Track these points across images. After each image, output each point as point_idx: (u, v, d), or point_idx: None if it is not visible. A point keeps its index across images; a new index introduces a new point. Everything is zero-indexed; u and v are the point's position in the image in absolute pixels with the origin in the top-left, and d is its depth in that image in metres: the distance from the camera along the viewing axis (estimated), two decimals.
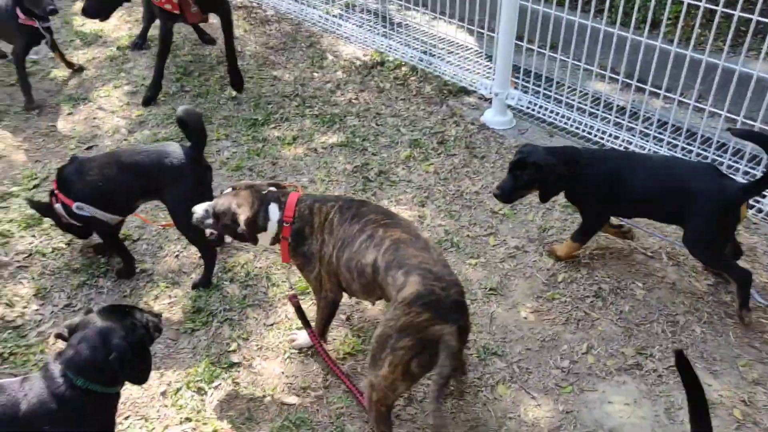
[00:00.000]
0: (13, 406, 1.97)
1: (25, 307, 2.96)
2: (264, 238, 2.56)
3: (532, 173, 2.91)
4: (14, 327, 2.86)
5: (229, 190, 2.60)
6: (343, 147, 4.08)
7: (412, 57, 4.93)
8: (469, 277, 3.15)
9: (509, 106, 4.34)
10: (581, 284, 3.10)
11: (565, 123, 4.16)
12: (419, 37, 5.15)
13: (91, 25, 5.47)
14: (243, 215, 2.46)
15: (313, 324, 2.70)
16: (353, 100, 4.58)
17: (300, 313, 2.68)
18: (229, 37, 4.44)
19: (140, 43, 5.18)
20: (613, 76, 4.03)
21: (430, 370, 2.13)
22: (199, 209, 2.58)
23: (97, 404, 2.06)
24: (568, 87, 4.21)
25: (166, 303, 3.01)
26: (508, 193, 2.99)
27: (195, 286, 3.07)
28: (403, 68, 4.88)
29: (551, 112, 4.22)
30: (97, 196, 2.90)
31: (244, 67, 4.94)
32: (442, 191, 3.71)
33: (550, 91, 4.23)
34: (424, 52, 4.93)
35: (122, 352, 2.04)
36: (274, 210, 2.52)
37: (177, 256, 3.28)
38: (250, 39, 5.37)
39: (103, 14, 4.46)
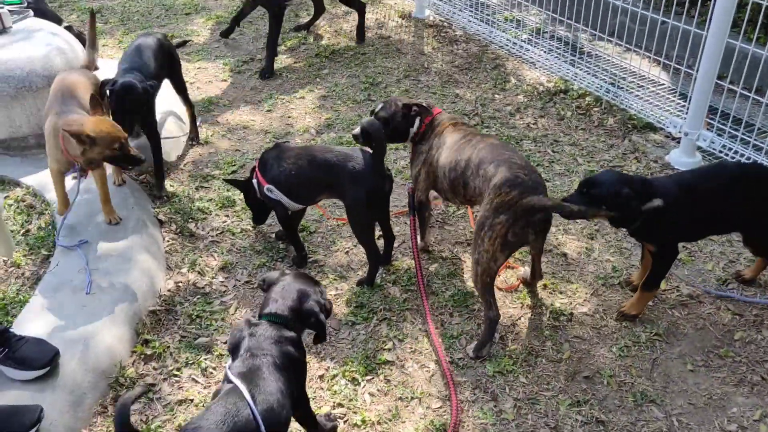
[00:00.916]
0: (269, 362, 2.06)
1: (213, 278, 3.31)
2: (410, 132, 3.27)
3: (600, 193, 2.69)
4: (203, 293, 3.21)
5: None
6: None
7: (598, 87, 4.82)
8: None
9: (699, 148, 4.10)
10: (761, 347, 2.86)
11: None
12: (608, 68, 5.02)
13: (295, 34, 5.98)
14: (401, 102, 3.25)
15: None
16: (531, 125, 4.58)
17: (411, 200, 3.29)
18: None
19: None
20: None
21: (524, 240, 2.73)
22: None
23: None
24: None
25: (332, 294, 3.22)
26: (573, 209, 2.75)
27: (360, 283, 3.25)
28: (587, 98, 4.79)
29: (748, 159, 3.93)
30: (286, 183, 3.18)
31: (429, 83, 5.14)
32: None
33: (750, 137, 3.94)
34: (612, 84, 4.80)
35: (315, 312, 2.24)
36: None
37: (347, 252, 3.49)
38: (437, 57, 5.56)
39: None
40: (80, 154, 3.02)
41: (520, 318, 3.05)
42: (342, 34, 5.99)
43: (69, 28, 4.59)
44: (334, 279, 3.31)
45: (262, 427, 1.89)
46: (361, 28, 5.82)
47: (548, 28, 5.71)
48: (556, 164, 4.15)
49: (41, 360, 2.55)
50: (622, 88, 4.76)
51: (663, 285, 3.20)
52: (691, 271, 3.28)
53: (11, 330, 2.63)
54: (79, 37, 4.61)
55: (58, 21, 4.65)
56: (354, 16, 5.96)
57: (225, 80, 5.26)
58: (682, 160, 4.09)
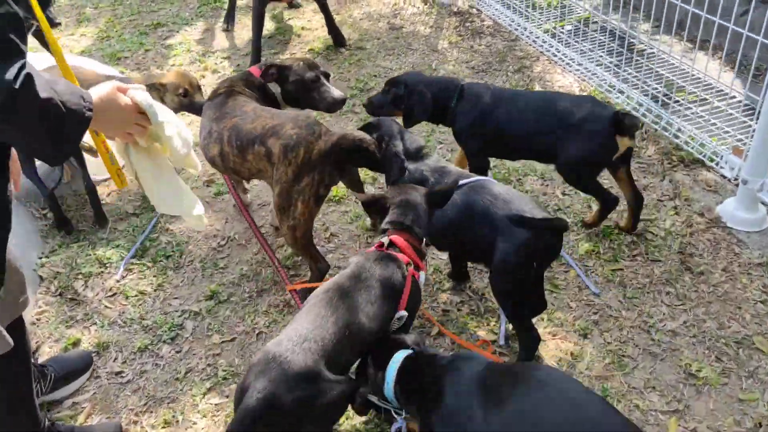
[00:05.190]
0: None
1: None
2: None
3: (399, 93, 2.90)
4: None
5: None
6: None
7: (637, 105, 3.69)
8: None
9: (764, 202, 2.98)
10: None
11: None
12: (663, 72, 3.87)
13: (283, 25, 5.16)
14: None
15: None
16: None
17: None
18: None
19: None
20: None
21: (333, 183, 2.63)
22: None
23: None
24: None
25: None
26: (375, 106, 2.98)
27: None
28: None
29: None
30: None
31: None
32: (617, 317, 2.60)
33: None
34: (655, 100, 3.67)
35: None
36: None
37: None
38: (451, 54, 4.58)
39: None
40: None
41: None
42: (346, 23, 5.10)
43: None
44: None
45: None
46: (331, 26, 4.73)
47: (598, 17, 4.55)
48: (565, 211, 3.15)
49: None
50: (676, 102, 3.61)
51: (673, 426, 2.21)
52: (720, 399, 2.26)
53: None
54: None
55: None
56: (362, 3, 5.07)
57: None
58: (738, 214, 2.98)
